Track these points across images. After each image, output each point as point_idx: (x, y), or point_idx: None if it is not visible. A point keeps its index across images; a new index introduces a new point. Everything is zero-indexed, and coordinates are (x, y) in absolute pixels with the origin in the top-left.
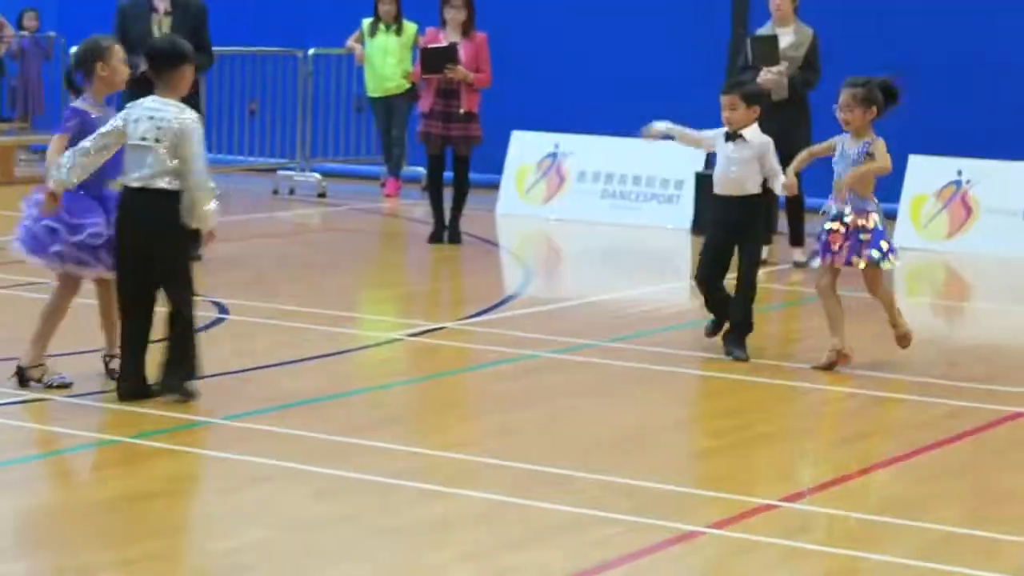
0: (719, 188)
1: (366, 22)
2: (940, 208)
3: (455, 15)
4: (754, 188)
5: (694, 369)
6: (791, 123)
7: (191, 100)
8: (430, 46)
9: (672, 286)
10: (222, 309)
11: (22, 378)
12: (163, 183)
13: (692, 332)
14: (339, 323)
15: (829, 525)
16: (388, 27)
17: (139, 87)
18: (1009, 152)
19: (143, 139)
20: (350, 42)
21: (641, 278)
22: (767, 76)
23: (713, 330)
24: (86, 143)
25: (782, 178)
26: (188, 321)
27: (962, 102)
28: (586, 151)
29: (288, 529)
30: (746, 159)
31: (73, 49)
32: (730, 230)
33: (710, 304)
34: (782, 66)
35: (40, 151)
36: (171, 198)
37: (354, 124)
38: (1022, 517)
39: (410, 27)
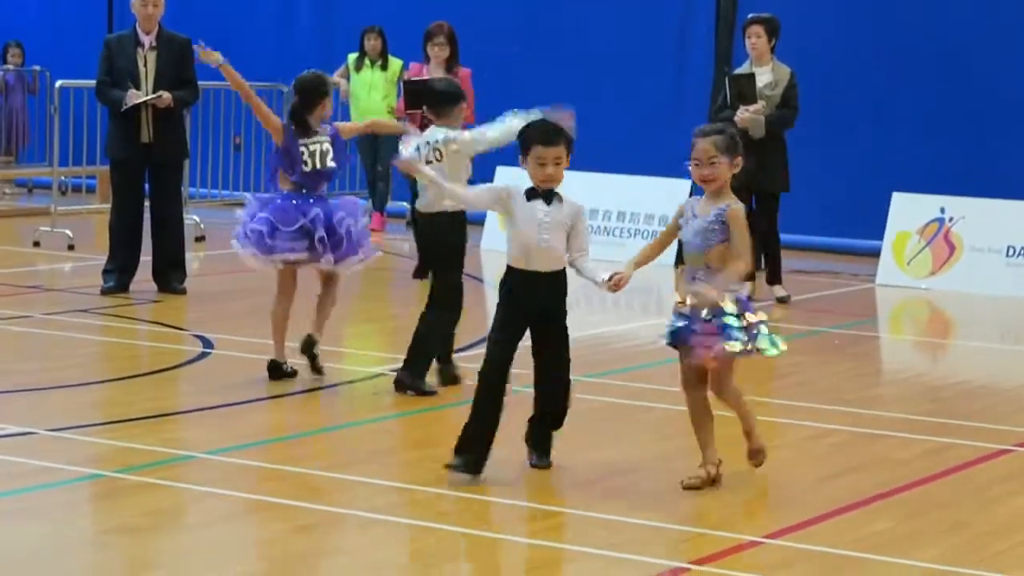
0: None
1: (351, 57)
2: (923, 245)
3: (438, 51)
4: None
5: (674, 405)
6: (769, 162)
7: (177, 135)
8: (409, 80)
9: (656, 321)
10: (206, 343)
11: (274, 370)
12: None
13: (672, 368)
14: (324, 358)
15: (813, 562)
16: (373, 62)
17: (124, 120)
18: (992, 190)
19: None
20: (335, 77)
21: (625, 313)
22: (744, 115)
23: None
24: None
25: (602, 274)
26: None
27: (945, 140)
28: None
29: (271, 564)
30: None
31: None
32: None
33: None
34: (760, 104)
35: (24, 185)
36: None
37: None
38: (1006, 554)
39: (395, 63)
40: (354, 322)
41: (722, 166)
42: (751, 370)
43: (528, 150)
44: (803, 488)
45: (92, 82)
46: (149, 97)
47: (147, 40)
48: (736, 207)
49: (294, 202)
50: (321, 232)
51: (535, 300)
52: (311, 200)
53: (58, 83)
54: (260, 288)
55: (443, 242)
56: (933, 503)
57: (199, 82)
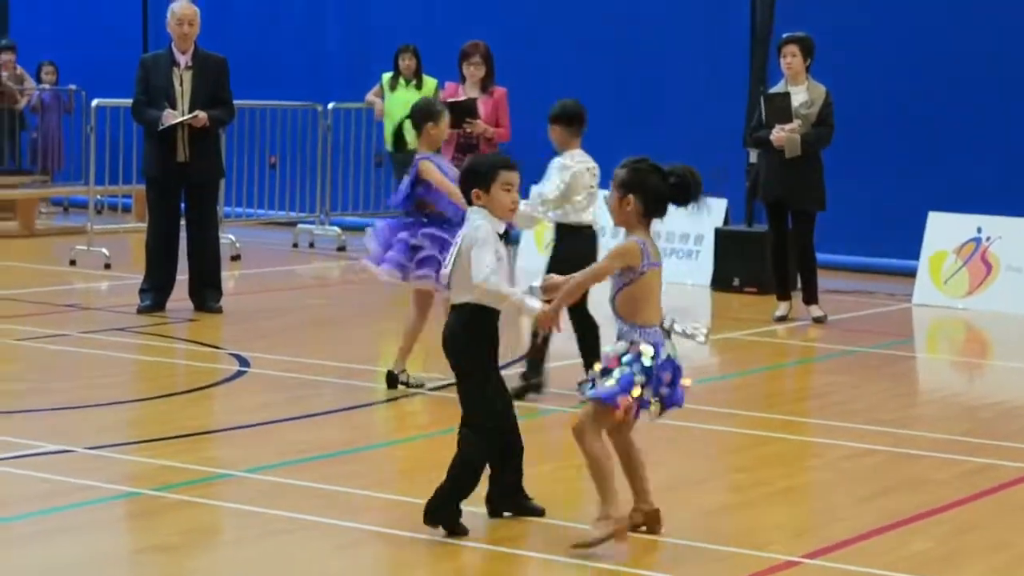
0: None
1: (386, 76)
2: (960, 265)
3: (474, 71)
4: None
5: (713, 424)
6: (805, 181)
7: (213, 154)
8: (449, 100)
9: (690, 342)
10: (243, 362)
11: (391, 381)
12: None
13: (710, 387)
14: (359, 376)
15: None
16: (408, 81)
17: (161, 140)
18: None
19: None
20: (370, 96)
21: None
22: (780, 134)
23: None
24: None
25: (534, 303)
26: None
27: (982, 159)
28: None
29: None
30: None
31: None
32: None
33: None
34: (795, 124)
35: (60, 204)
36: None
37: (373, 178)
38: None
39: (430, 82)
40: (389, 340)
41: (613, 199)
42: (787, 391)
43: (495, 178)
44: (841, 508)
45: (128, 101)
46: (185, 117)
47: (183, 59)
48: (628, 240)
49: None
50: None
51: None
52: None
53: (94, 102)
54: (295, 307)
55: None
56: (972, 524)
57: (234, 101)
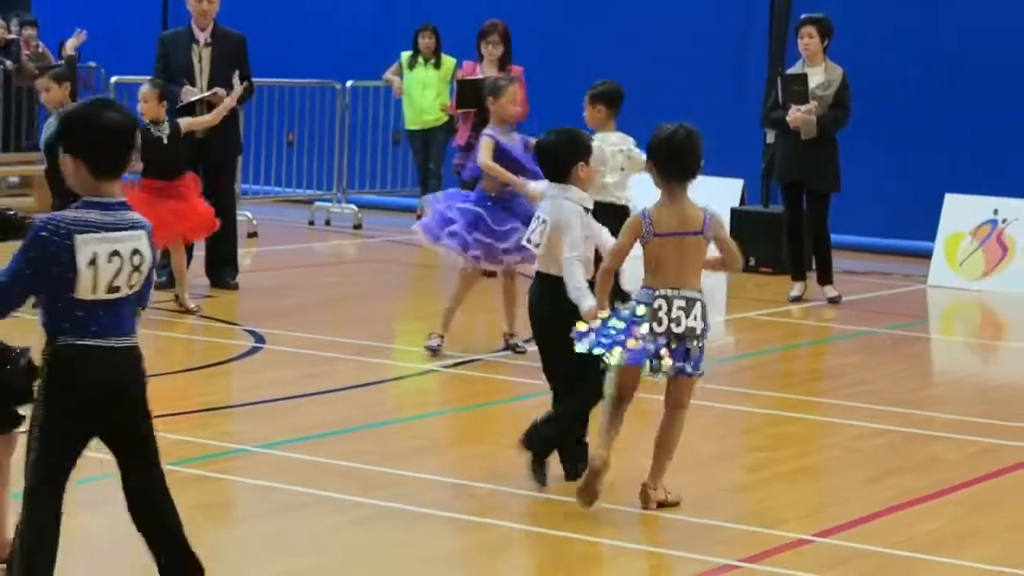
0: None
1: (405, 55)
2: (976, 247)
3: (492, 50)
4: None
5: (727, 404)
6: (820, 162)
7: (231, 131)
8: (464, 79)
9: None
10: (258, 338)
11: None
12: None
13: (725, 367)
14: (374, 353)
15: (864, 560)
16: (427, 60)
17: (184, 112)
18: None
19: None
20: (388, 75)
21: None
22: (797, 115)
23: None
24: None
25: (587, 300)
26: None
27: (999, 141)
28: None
29: (324, 557)
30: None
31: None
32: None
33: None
34: (812, 105)
35: None
36: None
37: (391, 156)
38: None
39: (448, 61)
40: (405, 318)
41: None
42: (802, 371)
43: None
44: (854, 487)
45: (147, 78)
46: (205, 94)
47: (202, 37)
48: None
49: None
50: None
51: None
52: None
53: (113, 79)
54: (310, 284)
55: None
56: (985, 504)
57: (253, 78)
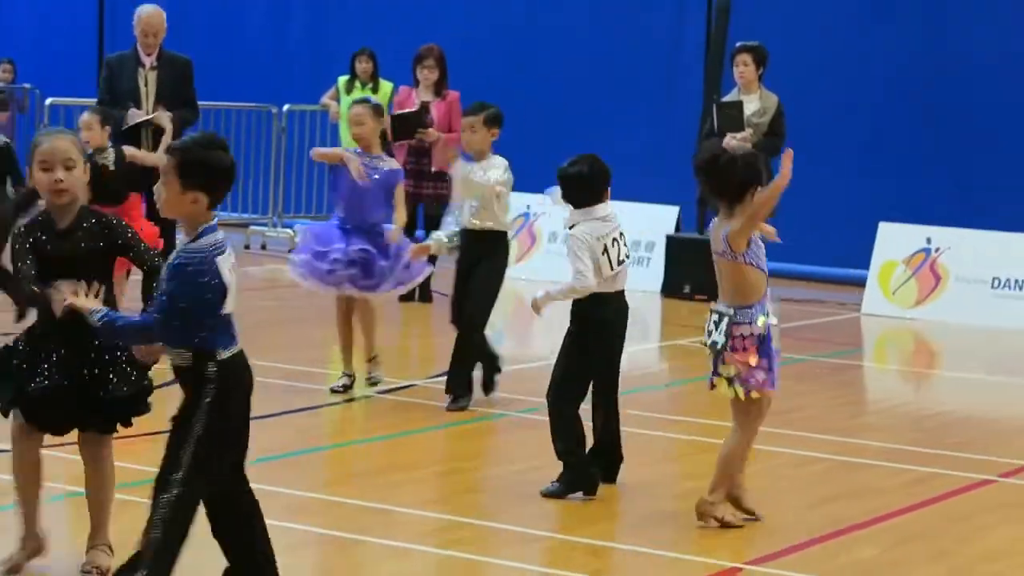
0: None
1: (342, 79)
2: (909, 275)
3: (427, 74)
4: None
5: (659, 431)
6: None
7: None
8: (397, 113)
9: (641, 347)
10: None
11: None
12: None
13: (659, 394)
14: (308, 379)
15: None
16: (364, 85)
17: (126, 139)
18: (978, 221)
19: None
20: (325, 99)
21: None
22: (732, 142)
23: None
24: None
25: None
26: None
27: (932, 170)
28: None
29: None
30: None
31: None
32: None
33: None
34: (747, 132)
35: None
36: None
37: (327, 181)
38: None
39: (386, 85)
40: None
41: None
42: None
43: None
44: (787, 515)
45: (82, 100)
46: (150, 115)
47: (148, 60)
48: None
49: None
50: None
51: None
52: None
53: (48, 100)
54: (245, 309)
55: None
56: (916, 532)
57: (199, 102)
